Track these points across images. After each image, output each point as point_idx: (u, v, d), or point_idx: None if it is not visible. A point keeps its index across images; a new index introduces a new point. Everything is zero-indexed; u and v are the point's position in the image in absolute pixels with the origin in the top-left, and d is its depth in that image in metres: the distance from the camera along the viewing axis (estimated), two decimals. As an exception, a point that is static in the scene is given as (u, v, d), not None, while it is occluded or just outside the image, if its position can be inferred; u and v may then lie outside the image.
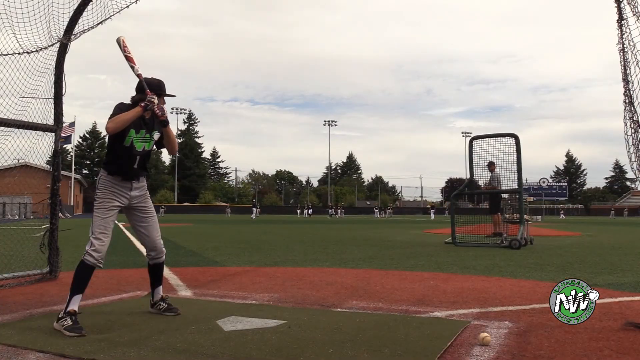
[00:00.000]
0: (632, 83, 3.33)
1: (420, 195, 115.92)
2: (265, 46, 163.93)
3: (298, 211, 66.56)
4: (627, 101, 3.37)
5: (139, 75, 3.57)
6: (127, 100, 3.63)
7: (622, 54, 3.37)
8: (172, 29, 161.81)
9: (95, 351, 2.77)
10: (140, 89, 3.59)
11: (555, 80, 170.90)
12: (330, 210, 62.87)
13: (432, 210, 58.20)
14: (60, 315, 3.25)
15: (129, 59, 3.60)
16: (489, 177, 11.44)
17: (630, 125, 3.35)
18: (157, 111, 3.47)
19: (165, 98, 3.72)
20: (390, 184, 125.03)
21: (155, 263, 3.83)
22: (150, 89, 3.55)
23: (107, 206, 3.51)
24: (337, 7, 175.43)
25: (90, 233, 3.47)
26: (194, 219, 36.71)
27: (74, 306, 3.27)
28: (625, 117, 3.38)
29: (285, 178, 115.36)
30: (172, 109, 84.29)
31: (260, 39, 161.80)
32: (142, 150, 3.61)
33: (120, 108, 3.47)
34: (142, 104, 3.41)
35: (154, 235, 3.75)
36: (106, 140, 3.77)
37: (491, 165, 11.30)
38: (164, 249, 3.85)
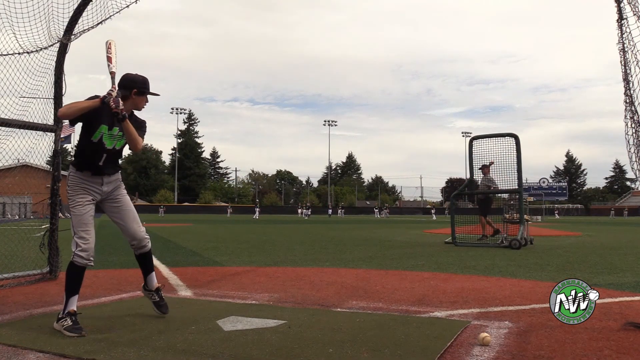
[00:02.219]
0: (633, 83, 3.33)
1: (420, 195, 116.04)
2: (265, 46, 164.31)
3: (299, 211, 64.95)
4: (627, 101, 3.37)
5: (111, 73, 3.47)
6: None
7: (622, 53, 3.37)
8: (172, 29, 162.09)
9: (95, 351, 2.77)
10: (122, 85, 3.51)
11: (555, 80, 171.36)
12: (301, 210, 60.11)
13: (432, 211, 58.08)
14: (60, 316, 3.25)
15: (108, 59, 3.52)
16: (480, 180, 11.42)
17: (631, 125, 3.35)
18: (112, 103, 3.28)
19: (158, 98, 3.68)
20: (390, 184, 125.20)
21: (141, 253, 3.72)
22: (134, 85, 3.50)
23: (82, 202, 3.43)
24: (337, 7, 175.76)
25: (72, 233, 3.40)
26: (194, 219, 36.71)
27: (72, 306, 3.26)
28: (625, 116, 3.38)
29: (285, 178, 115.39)
30: (172, 109, 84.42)
31: (260, 39, 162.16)
32: (111, 148, 3.50)
33: (91, 99, 3.39)
34: (102, 96, 3.32)
35: (129, 223, 3.63)
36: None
37: (484, 168, 11.29)
38: (146, 236, 3.71)
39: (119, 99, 3.33)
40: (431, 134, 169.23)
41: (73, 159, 3.53)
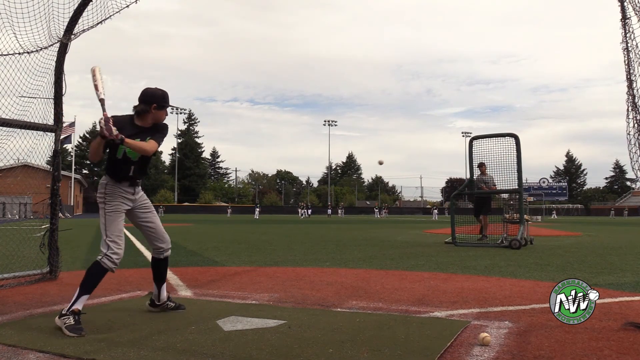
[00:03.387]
0: (636, 82, 3.32)
1: (420, 195, 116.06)
2: (265, 46, 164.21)
3: (300, 211, 62.50)
4: (630, 100, 3.36)
5: (100, 100, 3.52)
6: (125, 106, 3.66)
7: (625, 52, 3.37)
8: (173, 29, 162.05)
9: (95, 351, 2.77)
10: (142, 99, 3.61)
11: (555, 80, 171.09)
12: (300, 210, 59.53)
13: (434, 211, 57.74)
14: (63, 312, 3.25)
15: (95, 87, 3.58)
16: (480, 179, 11.44)
17: (633, 124, 3.35)
18: (106, 132, 3.31)
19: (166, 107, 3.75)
20: (390, 184, 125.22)
21: (166, 257, 3.87)
22: (153, 100, 3.59)
23: (119, 209, 3.57)
24: (337, 7, 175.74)
25: (104, 236, 3.50)
26: (194, 219, 36.71)
27: (79, 305, 3.28)
28: (628, 116, 3.37)
29: (285, 178, 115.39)
30: (172, 108, 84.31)
31: (260, 39, 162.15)
32: (138, 160, 3.61)
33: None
34: (99, 130, 3.39)
35: (160, 226, 3.82)
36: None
37: (482, 167, 11.29)
38: (169, 239, 3.90)
39: (110, 125, 3.34)
40: (431, 134, 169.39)
41: (108, 170, 3.63)
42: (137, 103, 3.64)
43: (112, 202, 3.57)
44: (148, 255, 7.13)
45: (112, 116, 3.47)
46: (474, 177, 11.33)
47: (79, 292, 3.33)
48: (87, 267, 3.47)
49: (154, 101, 3.60)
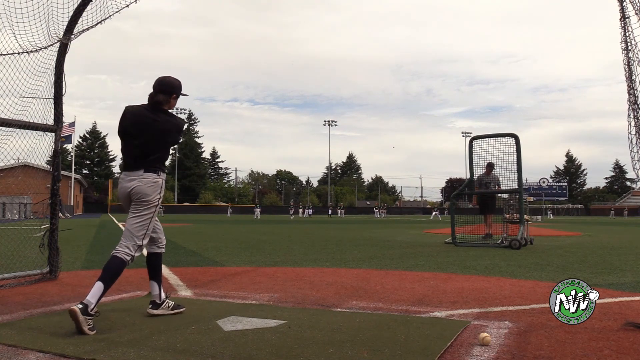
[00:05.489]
0: (636, 82, 3.32)
1: (420, 195, 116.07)
2: (265, 46, 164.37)
3: (301, 211, 60.96)
4: (631, 100, 3.36)
5: None
6: (136, 99, 3.75)
7: (625, 52, 3.37)
8: (173, 29, 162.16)
9: (95, 351, 2.77)
10: (161, 89, 3.66)
11: (555, 80, 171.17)
12: (291, 211, 58.74)
13: (434, 212, 57.68)
14: (91, 312, 3.15)
15: None
16: (479, 179, 11.45)
17: (634, 124, 3.34)
18: None
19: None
20: (390, 184, 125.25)
21: (163, 252, 3.90)
22: (174, 90, 3.74)
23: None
24: (337, 7, 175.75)
25: (142, 240, 3.53)
26: (194, 219, 36.70)
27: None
28: (629, 115, 3.37)
29: (285, 178, 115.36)
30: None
31: (260, 39, 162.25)
32: None
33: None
34: None
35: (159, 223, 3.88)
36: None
37: (488, 168, 11.29)
38: None
39: None
40: (431, 134, 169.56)
41: (162, 165, 3.68)
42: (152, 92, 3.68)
43: (159, 201, 3.62)
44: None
45: (129, 106, 3.61)
46: (475, 176, 11.34)
47: (104, 289, 3.26)
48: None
49: (174, 92, 3.72)
